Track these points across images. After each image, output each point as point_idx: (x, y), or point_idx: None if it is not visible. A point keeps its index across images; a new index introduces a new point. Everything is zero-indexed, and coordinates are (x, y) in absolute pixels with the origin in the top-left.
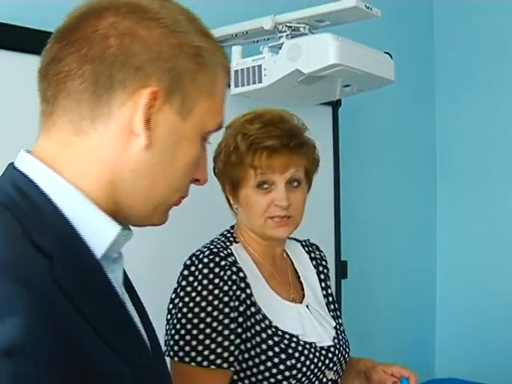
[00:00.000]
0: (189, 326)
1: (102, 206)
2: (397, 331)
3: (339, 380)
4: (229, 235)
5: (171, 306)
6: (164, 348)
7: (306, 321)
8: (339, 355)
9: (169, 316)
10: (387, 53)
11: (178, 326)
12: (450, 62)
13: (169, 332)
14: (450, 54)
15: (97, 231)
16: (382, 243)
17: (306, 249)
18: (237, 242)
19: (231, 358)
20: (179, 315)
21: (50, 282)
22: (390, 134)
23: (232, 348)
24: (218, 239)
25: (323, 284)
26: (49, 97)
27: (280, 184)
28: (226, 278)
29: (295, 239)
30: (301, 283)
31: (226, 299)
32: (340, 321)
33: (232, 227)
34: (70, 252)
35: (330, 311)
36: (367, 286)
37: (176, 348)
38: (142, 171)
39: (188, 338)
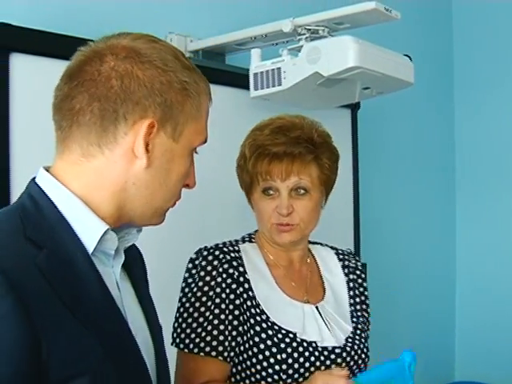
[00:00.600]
0: (185, 315)
1: (103, 211)
2: (416, 334)
3: None
4: (246, 236)
5: (178, 300)
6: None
7: (309, 320)
8: (348, 358)
9: (176, 309)
10: (407, 55)
11: (177, 315)
12: (469, 63)
13: (173, 322)
14: (469, 55)
15: (88, 229)
16: (401, 246)
17: (341, 257)
18: (252, 242)
19: (220, 348)
20: (179, 305)
21: (30, 265)
22: (409, 136)
23: (221, 338)
24: (235, 240)
25: (352, 292)
26: (63, 127)
27: (283, 191)
28: (221, 270)
29: (330, 247)
30: (324, 288)
31: (218, 290)
32: (366, 327)
33: (256, 230)
34: (60, 243)
35: (353, 318)
36: (386, 289)
37: (174, 335)
38: (142, 184)
39: (184, 325)
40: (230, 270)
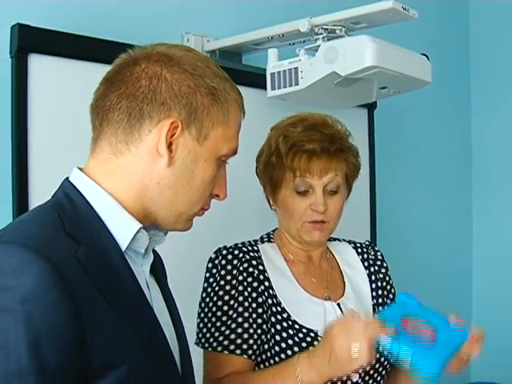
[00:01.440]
0: (209, 314)
1: (131, 209)
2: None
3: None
4: (265, 236)
5: (200, 299)
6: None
7: (330, 317)
8: None
9: (199, 309)
10: (424, 54)
11: (202, 315)
12: (487, 63)
13: (197, 322)
14: (487, 55)
15: (122, 227)
16: (417, 246)
17: (359, 250)
18: (270, 242)
19: (244, 346)
20: (202, 304)
21: (72, 258)
22: (426, 135)
23: (246, 336)
24: (254, 240)
25: (374, 285)
26: (96, 125)
27: (318, 189)
28: (241, 269)
29: (348, 241)
30: (344, 283)
31: (240, 288)
32: None
33: (274, 230)
34: (96, 240)
35: (375, 312)
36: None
37: (200, 335)
38: (165, 184)
39: (208, 325)
40: (250, 269)
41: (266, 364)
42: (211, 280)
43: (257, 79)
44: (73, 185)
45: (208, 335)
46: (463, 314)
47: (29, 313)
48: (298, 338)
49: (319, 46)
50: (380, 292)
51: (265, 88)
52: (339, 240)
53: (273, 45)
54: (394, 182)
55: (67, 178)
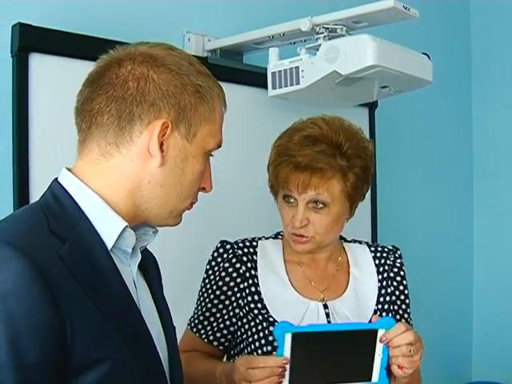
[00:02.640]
0: (200, 299)
1: (120, 208)
2: (433, 335)
3: None
4: (275, 233)
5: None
6: None
7: (309, 317)
8: None
9: None
10: (425, 53)
11: (197, 297)
12: (488, 62)
13: None
14: (488, 54)
15: (108, 226)
16: (418, 244)
17: (378, 254)
18: (277, 239)
19: (208, 331)
20: (199, 289)
21: (54, 255)
22: (427, 134)
23: (211, 320)
24: (259, 236)
25: (383, 291)
26: (83, 128)
27: (300, 203)
28: (227, 264)
29: (370, 245)
30: (347, 286)
31: (220, 283)
32: None
33: None
34: (82, 238)
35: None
36: None
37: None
38: (156, 183)
39: (196, 309)
40: (237, 265)
41: (241, 356)
42: (207, 267)
43: (258, 78)
44: (61, 185)
45: (193, 317)
46: (464, 312)
47: (8, 309)
48: (269, 331)
49: (320, 45)
50: (388, 298)
51: (266, 87)
52: (360, 242)
53: (274, 44)
54: (395, 180)
55: (56, 179)
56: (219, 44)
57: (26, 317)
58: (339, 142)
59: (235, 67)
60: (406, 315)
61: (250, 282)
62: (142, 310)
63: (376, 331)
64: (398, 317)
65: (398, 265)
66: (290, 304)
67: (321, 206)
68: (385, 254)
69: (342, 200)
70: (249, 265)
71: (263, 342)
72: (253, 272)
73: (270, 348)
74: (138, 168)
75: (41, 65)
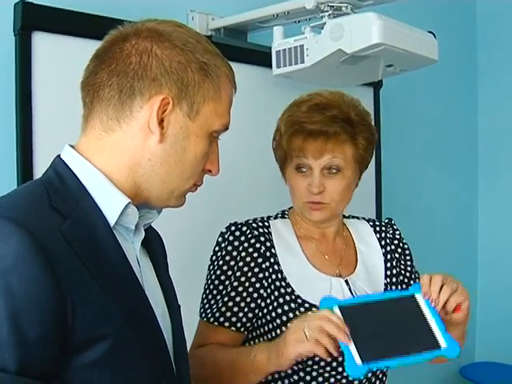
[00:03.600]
0: (211, 286)
1: (122, 186)
2: None
3: None
4: (280, 212)
5: (207, 271)
6: None
7: (335, 293)
8: None
9: (205, 279)
10: (431, 32)
11: (206, 286)
12: (493, 40)
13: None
14: (493, 32)
15: (110, 203)
16: (423, 223)
17: (378, 229)
18: (284, 218)
19: (233, 319)
20: (208, 276)
21: (56, 231)
22: (432, 114)
23: (236, 309)
24: (268, 216)
25: (389, 264)
26: (87, 103)
27: (315, 169)
28: (246, 245)
29: (367, 220)
30: (357, 260)
31: (240, 264)
32: None
33: (290, 207)
34: (84, 215)
35: (387, 291)
36: None
37: (201, 304)
38: (157, 161)
39: (209, 296)
40: (257, 245)
41: (267, 337)
42: (218, 254)
43: (262, 57)
44: (63, 161)
45: (207, 306)
46: (468, 286)
47: (8, 284)
48: (300, 312)
49: (325, 23)
50: (394, 271)
51: (270, 66)
52: (358, 218)
53: (278, 22)
54: (399, 160)
55: (59, 155)
56: (223, 23)
57: (27, 293)
58: (346, 109)
59: (239, 46)
60: (412, 282)
61: (272, 260)
62: (146, 287)
63: (414, 297)
64: (405, 286)
65: (398, 236)
66: (312, 281)
67: (335, 171)
68: (383, 228)
69: (353, 165)
70: (268, 244)
71: None
72: (273, 251)
73: None
74: (139, 144)
75: (43, 43)
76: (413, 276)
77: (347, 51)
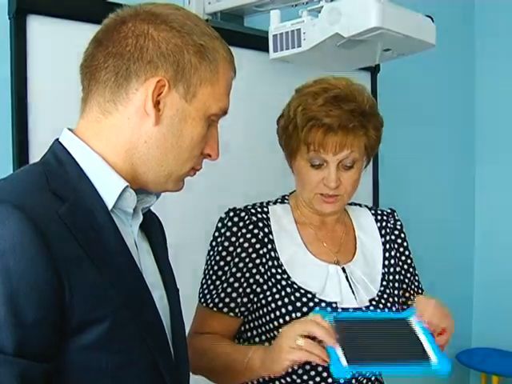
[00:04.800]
0: (210, 272)
1: (120, 169)
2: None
3: None
4: (280, 197)
5: (206, 256)
6: None
7: (331, 280)
8: None
9: (204, 265)
10: (429, 16)
11: (206, 271)
12: (491, 26)
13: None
14: (491, 17)
15: (108, 186)
16: (419, 208)
17: (379, 217)
18: (284, 203)
19: (232, 304)
20: (208, 261)
21: (54, 214)
22: (429, 99)
23: (234, 295)
24: (268, 201)
25: (387, 254)
26: (85, 86)
27: (332, 164)
28: (244, 230)
29: (369, 208)
30: (356, 249)
31: (238, 250)
32: (397, 292)
33: (292, 192)
34: (82, 198)
35: (384, 281)
36: None
37: (200, 290)
38: (153, 143)
39: (208, 281)
40: (255, 231)
41: (260, 321)
42: (218, 240)
43: (259, 41)
44: (62, 145)
45: (206, 291)
46: (464, 278)
47: (6, 267)
48: (295, 297)
49: (322, 6)
50: (392, 261)
51: (267, 50)
52: (360, 205)
53: (275, 6)
54: (396, 145)
55: (57, 139)
56: (220, 7)
57: (24, 275)
58: (362, 101)
59: (236, 30)
60: (408, 274)
61: (270, 247)
62: (144, 271)
63: (408, 320)
64: (401, 277)
65: (399, 227)
66: (309, 268)
67: (350, 165)
68: (385, 217)
69: (364, 156)
70: (266, 230)
71: (290, 308)
72: (270, 237)
73: (299, 314)
74: (135, 127)
75: (39, 27)
76: (410, 270)
77: (344, 35)
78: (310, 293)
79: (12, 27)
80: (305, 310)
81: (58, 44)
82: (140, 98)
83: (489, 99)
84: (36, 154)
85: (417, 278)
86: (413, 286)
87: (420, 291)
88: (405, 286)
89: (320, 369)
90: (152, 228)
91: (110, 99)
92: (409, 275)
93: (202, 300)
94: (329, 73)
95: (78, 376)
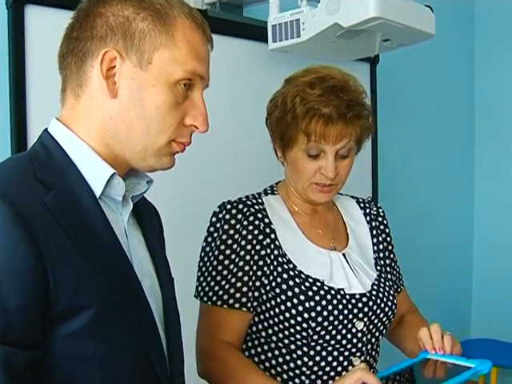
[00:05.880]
0: (210, 268)
1: (99, 151)
2: (432, 292)
3: (376, 333)
4: (268, 188)
5: (201, 252)
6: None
7: (336, 267)
8: (374, 306)
9: (200, 262)
10: (428, 6)
11: (203, 269)
12: (491, 16)
13: (197, 275)
14: (491, 7)
15: (95, 173)
16: (418, 202)
17: (362, 205)
18: (274, 194)
19: (244, 299)
20: (205, 258)
21: (39, 202)
22: (429, 90)
23: (245, 289)
24: (257, 192)
25: (375, 239)
26: (61, 76)
27: (330, 154)
28: (246, 223)
29: (351, 196)
30: (347, 234)
31: (243, 243)
32: (390, 276)
33: (278, 182)
34: (69, 186)
35: (377, 265)
36: (403, 247)
37: (199, 288)
38: (118, 118)
39: (208, 278)
40: (256, 222)
41: (270, 313)
42: (215, 234)
43: (258, 32)
44: (50, 134)
45: (207, 289)
46: (463, 269)
47: None
48: (305, 286)
49: None
50: (381, 247)
51: (266, 41)
52: (342, 194)
53: None
54: (395, 136)
55: (46, 129)
56: None
57: (7, 262)
58: (357, 90)
59: (235, 20)
60: (395, 259)
61: (273, 236)
62: (134, 259)
63: (427, 359)
64: (389, 262)
65: (382, 214)
66: (312, 256)
67: (346, 154)
68: (367, 205)
69: (357, 145)
70: (266, 220)
71: (302, 297)
72: (272, 227)
73: (312, 303)
74: (99, 104)
75: (37, 17)
76: (391, 256)
77: (344, 25)
78: (319, 280)
79: (10, 17)
80: (317, 298)
81: (56, 34)
82: (96, 74)
83: (489, 89)
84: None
85: (397, 264)
86: (394, 272)
87: (400, 277)
88: (388, 269)
89: (328, 368)
90: (146, 217)
91: (76, 83)
92: (395, 259)
93: (205, 298)
94: (328, 63)
95: (64, 364)
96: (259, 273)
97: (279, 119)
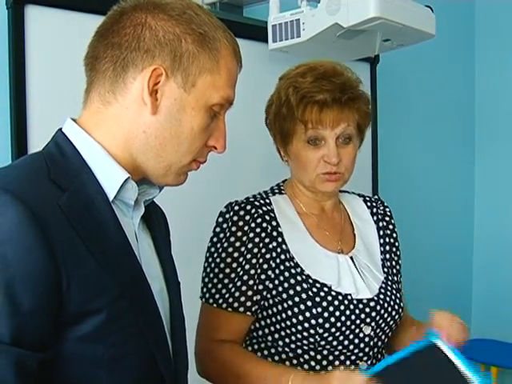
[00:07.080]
0: (216, 270)
1: (120, 159)
2: (432, 292)
3: (383, 337)
4: (275, 187)
5: (207, 253)
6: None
7: (344, 271)
8: (381, 311)
9: (205, 263)
10: (428, 6)
11: (208, 270)
12: (491, 16)
13: (202, 275)
14: (491, 7)
15: (110, 177)
16: (419, 199)
17: (369, 204)
18: (282, 194)
19: (248, 303)
20: (210, 259)
21: (53, 204)
22: (429, 90)
23: (250, 293)
24: (264, 191)
25: (382, 240)
26: (88, 77)
27: (330, 140)
28: (253, 225)
29: (358, 194)
30: (355, 235)
31: (250, 246)
32: (396, 278)
33: (284, 181)
34: (82, 188)
35: (385, 267)
36: (403, 247)
37: (204, 290)
38: (151, 133)
39: (214, 280)
40: (264, 224)
41: (277, 318)
42: (221, 235)
43: (258, 32)
44: (64, 134)
45: (213, 291)
46: (463, 273)
47: (3, 255)
48: (313, 292)
49: None
50: (388, 248)
51: (266, 41)
52: (349, 192)
53: None
54: (396, 136)
55: (60, 129)
56: None
57: (21, 263)
58: (349, 74)
59: (235, 20)
60: (400, 262)
61: (280, 240)
62: (143, 263)
63: (436, 346)
64: (393, 263)
65: (389, 213)
66: (320, 259)
67: (347, 140)
68: (374, 204)
69: (359, 133)
70: (273, 223)
71: (309, 303)
72: (279, 229)
73: (319, 309)
74: (134, 116)
75: (37, 17)
76: (398, 253)
77: (344, 25)
78: (326, 285)
79: (10, 17)
80: (324, 304)
81: (56, 34)
82: (137, 87)
83: (489, 89)
84: (35, 143)
85: (400, 268)
86: (399, 275)
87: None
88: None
89: (331, 358)
90: (155, 221)
91: (109, 89)
92: (400, 262)
93: (211, 300)
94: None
95: (73, 366)
96: (263, 276)
97: (276, 114)
